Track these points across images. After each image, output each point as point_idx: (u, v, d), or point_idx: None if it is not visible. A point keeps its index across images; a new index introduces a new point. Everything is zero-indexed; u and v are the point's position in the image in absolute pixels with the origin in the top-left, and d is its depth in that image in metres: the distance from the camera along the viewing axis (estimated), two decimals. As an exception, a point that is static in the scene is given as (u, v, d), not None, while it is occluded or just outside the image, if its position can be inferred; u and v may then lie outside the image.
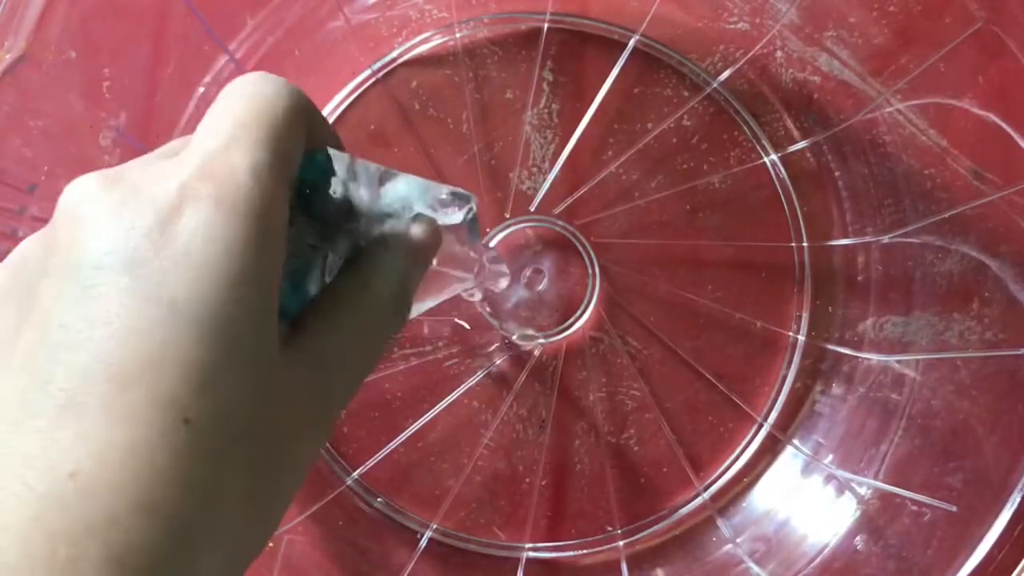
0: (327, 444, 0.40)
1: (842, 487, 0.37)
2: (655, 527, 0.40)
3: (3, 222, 0.31)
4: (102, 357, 0.15)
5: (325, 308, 0.20)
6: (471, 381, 0.39)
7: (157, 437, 0.15)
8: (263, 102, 0.18)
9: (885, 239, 0.39)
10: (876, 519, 0.35)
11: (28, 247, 0.18)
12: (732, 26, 0.41)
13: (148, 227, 0.16)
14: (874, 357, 0.38)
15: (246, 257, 0.16)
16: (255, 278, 0.17)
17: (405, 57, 0.42)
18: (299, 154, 0.19)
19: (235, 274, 0.16)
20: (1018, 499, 0.30)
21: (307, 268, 0.21)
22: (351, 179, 0.22)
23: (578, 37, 0.42)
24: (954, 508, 0.32)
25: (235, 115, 0.18)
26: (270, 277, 0.17)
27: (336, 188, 0.21)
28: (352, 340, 0.20)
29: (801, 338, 0.41)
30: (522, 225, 0.40)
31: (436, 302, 0.28)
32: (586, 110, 0.41)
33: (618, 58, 0.41)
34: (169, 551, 0.15)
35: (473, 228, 0.26)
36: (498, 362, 0.39)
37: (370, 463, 0.39)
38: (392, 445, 0.39)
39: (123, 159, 0.33)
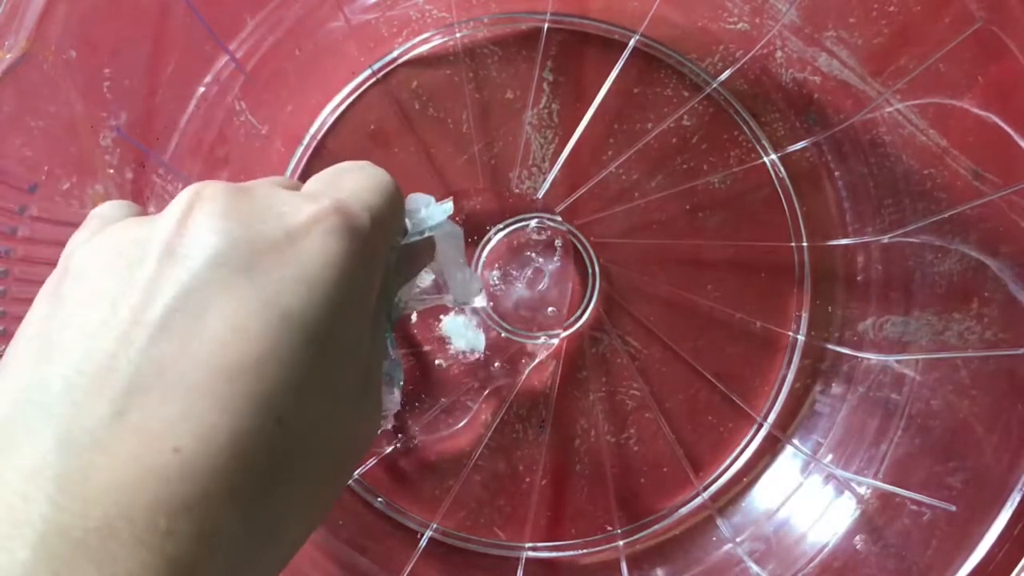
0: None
1: (842, 487, 0.37)
2: (655, 527, 0.40)
3: (3, 222, 0.31)
4: (215, 347, 0.16)
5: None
6: (472, 382, 0.39)
7: (255, 430, 0.16)
8: (380, 178, 0.21)
9: (885, 239, 0.39)
10: (876, 519, 0.35)
11: (133, 231, 0.18)
12: (732, 26, 0.41)
13: (274, 240, 0.17)
14: (874, 357, 0.38)
15: (355, 287, 0.18)
16: (359, 309, 0.18)
17: (405, 57, 0.42)
18: (398, 232, 0.23)
19: (341, 303, 0.18)
20: (1018, 499, 0.30)
21: None
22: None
23: (578, 37, 0.42)
24: (954, 508, 0.32)
25: (357, 180, 0.21)
26: (368, 311, 0.19)
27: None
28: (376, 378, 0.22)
29: (801, 338, 0.41)
30: (521, 226, 0.40)
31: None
32: (586, 110, 0.41)
33: (618, 58, 0.41)
34: (247, 540, 0.16)
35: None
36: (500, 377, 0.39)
37: (370, 463, 0.39)
38: (392, 445, 0.39)
39: (123, 159, 0.34)
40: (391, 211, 0.21)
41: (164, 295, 0.16)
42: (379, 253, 0.20)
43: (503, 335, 0.39)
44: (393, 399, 0.28)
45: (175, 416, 0.15)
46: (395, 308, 0.26)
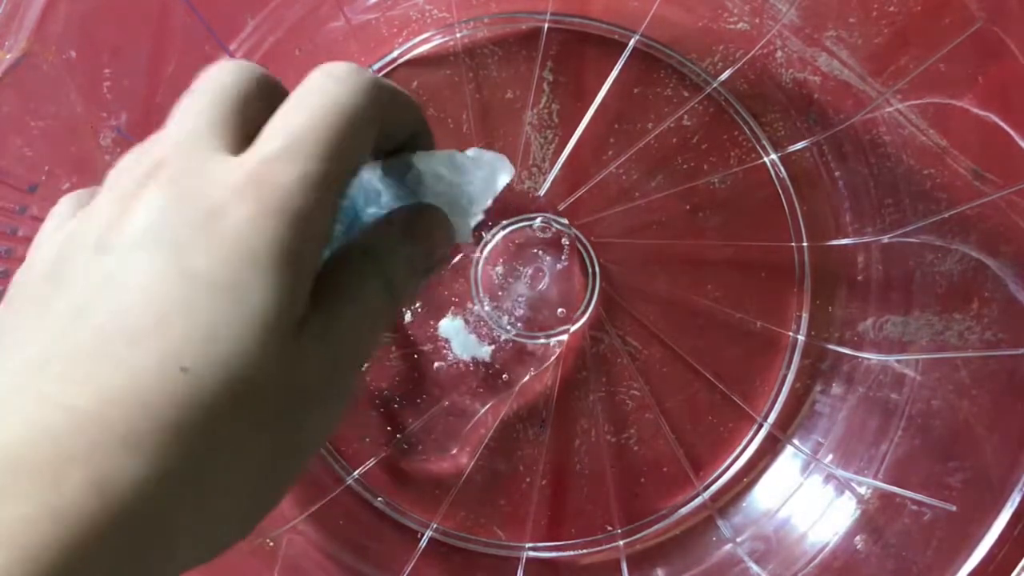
0: (327, 443, 0.40)
1: (842, 487, 0.37)
2: (655, 527, 0.40)
3: (3, 222, 0.31)
4: (120, 317, 0.17)
5: (337, 284, 0.21)
6: (472, 382, 0.39)
7: (154, 382, 0.16)
8: (333, 110, 0.19)
9: (885, 239, 0.39)
10: (876, 519, 0.35)
11: (73, 225, 0.19)
12: (732, 26, 0.41)
13: (194, 220, 0.17)
14: (874, 357, 0.38)
15: (278, 250, 0.17)
16: (283, 264, 0.18)
17: (406, 57, 0.42)
18: (363, 151, 0.20)
19: (262, 260, 0.17)
20: (1018, 499, 0.30)
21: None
22: (411, 184, 0.22)
23: (578, 37, 0.42)
24: (954, 508, 0.32)
25: (299, 122, 0.19)
26: (301, 265, 0.18)
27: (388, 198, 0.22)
28: (350, 320, 0.20)
29: (801, 338, 0.41)
30: (522, 224, 0.40)
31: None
32: (586, 110, 0.41)
33: (618, 58, 0.41)
34: (151, 488, 0.16)
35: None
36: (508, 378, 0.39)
37: (370, 463, 0.39)
38: (392, 445, 0.39)
39: (123, 159, 0.33)
40: (344, 148, 0.19)
41: (86, 285, 0.17)
42: (321, 204, 0.18)
43: (504, 338, 0.39)
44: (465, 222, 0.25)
45: (74, 381, 0.16)
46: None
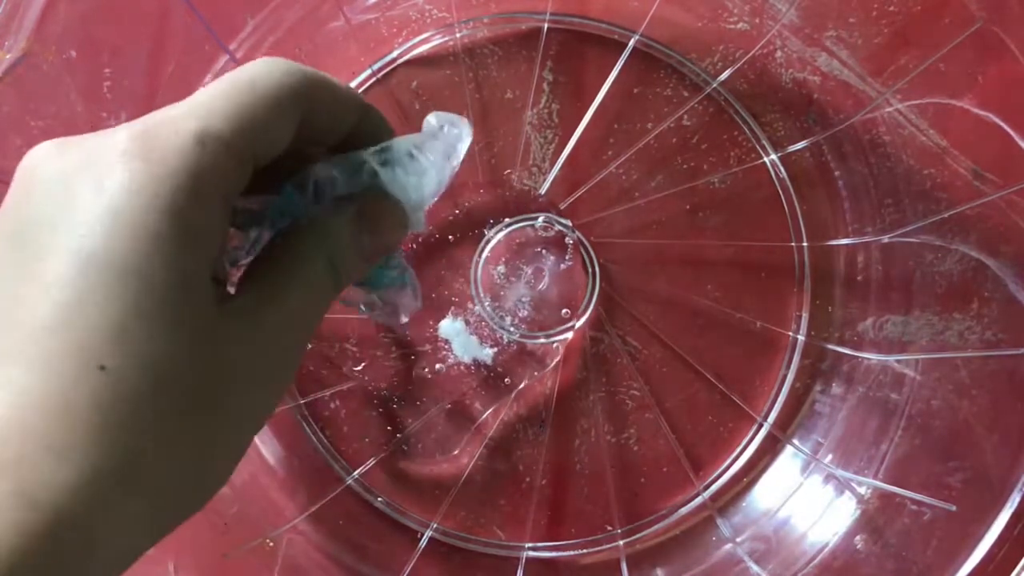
0: (325, 441, 0.40)
1: (842, 487, 0.37)
2: (655, 527, 0.40)
3: (3, 222, 0.31)
4: (27, 311, 0.16)
5: (268, 267, 0.20)
6: (472, 382, 0.39)
7: (74, 383, 0.15)
8: (244, 82, 0.19)
9: (885, 239, 0.39)
10: (876, 519, 0.35)
11: None
12: (732, 26, 0.41)
13: (87, 183, 0.17)
14: (874, 357, 0.38)
15: (170, 213, 0.17)
16: (180, 234, 0.17)
17: (405, 57, 0.42)
18: (281, 132, 0.20)
19: (158, 229, 0.17)
20: (1018, 499, 0.30)
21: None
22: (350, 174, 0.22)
23: (578, 37, 0.42)
24: (954, 508, 0.32)
25: (214, 89, 0.19)
26: (199, 235, 0.17)
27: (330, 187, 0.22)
28: (288, 299, 0.20)
29: (801, 338, 0.41)
30: (522, 224, 0.40)
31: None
32: (586, 110, 0.41)
33: (618, 58, 0.41)
34: (84, 490, 0.15)
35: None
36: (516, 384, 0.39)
37: (370, 463, 0.39)
38: (392, 445, 0.39)
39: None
40: (255, 117, 0.19)
41: None
42: (219, 166, 0.18)
43: (506, 339, 0.39)
44: (403, 297, 0.26)
45: None
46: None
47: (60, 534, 0.15)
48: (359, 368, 0.40)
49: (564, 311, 0.39)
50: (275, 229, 0.22)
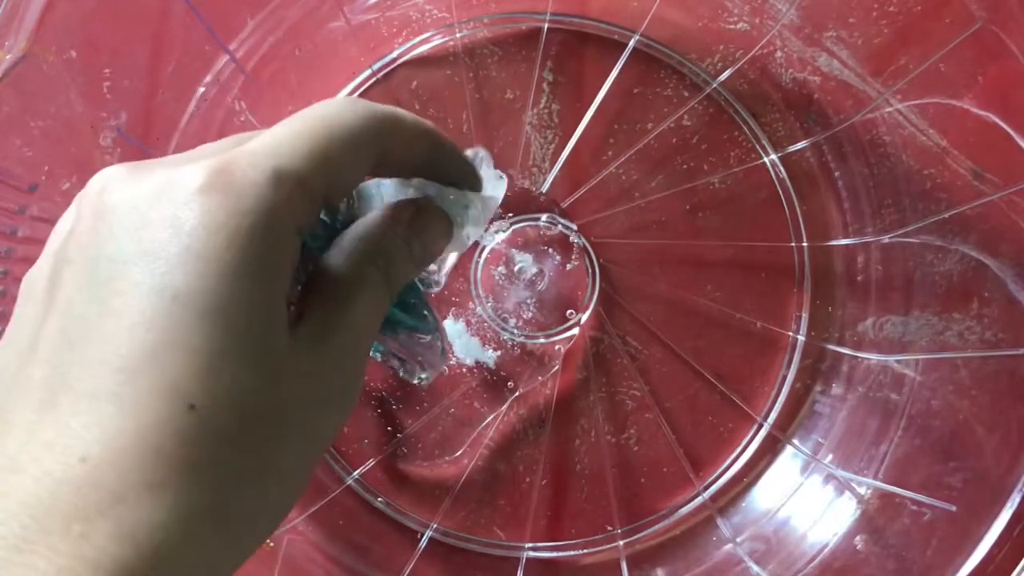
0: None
1: (842, 487, 0.37)
2: (655, 527, 0.40)
3: (3, 222, 0.31)
4: (112, 348, 0.16)
5: (336, 279, 0.21)
6: (472, 382, 0.39)
7: (164, 423, 0.16)
8: (321, 121, 0.19)
9: (885, 239, 0.39)
10: (876, 519, 0.35)
11: (58, 234, 0.19)
12: (732, 26, 0.41)
13: (164, 219, 0.17)
14: (874, 357, 0.38)
15: (249, 250, 0.17)
16: (258, 271, 0.17)
17: (405, 57, 0.42)
18: (356, 171, 0.20)
19: (236, 266, 0.17)
20: (1018, 499, 0.30)
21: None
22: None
23: (578, 37, 0.42)
24: (954, 508, 0.32)
25: (291, 126, 0.19)
26: (275, 271, 0.18)
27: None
28: (353, 317, 0.20)
29: (801, 338, 0.41)
30: (522, 224, 0.40)
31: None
32: (586, 110, 0.41)
33: (618, 58, 0.41)
34: (178, 527, 0.16)
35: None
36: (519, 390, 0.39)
37: (370, 463, 0.39)
38: (392, 445, 0.39)
39: (123, 159, 0.33)
40: (330, 157, 0.19)
41: (58, 306, 0.17)
42: (292, 202, 0.18)
43: (508, 339, 0.39)
44: (429, 353, 0.26)
45: (80, 426, 0.16)
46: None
47: (159, 570, 0.15)
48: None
49: (569, 312, 0.39)
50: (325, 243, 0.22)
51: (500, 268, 0.40)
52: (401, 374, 0.27)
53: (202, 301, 0.16)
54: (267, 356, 0.17)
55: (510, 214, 0.40)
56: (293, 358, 0.18)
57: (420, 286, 0.26)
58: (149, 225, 0.17)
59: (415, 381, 0.27)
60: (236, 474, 0.17)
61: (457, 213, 0.24)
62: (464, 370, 0.39)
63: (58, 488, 0.15)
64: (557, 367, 0.39)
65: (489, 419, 0.39)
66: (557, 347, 0.39)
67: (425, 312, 0.25)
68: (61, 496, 0.15)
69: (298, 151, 0.18)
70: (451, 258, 0.28)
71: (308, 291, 0.21)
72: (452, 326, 0.39)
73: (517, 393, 0.39)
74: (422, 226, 0.23)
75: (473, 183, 0.25)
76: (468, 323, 0.39)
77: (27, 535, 0.15)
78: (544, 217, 0.40)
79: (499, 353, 0.39)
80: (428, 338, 0.26)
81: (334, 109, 0.20)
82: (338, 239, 0.22)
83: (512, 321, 0.39)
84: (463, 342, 0.39)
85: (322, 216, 0.22)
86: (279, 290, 0.18)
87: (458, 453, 0.39)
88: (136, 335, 0.16)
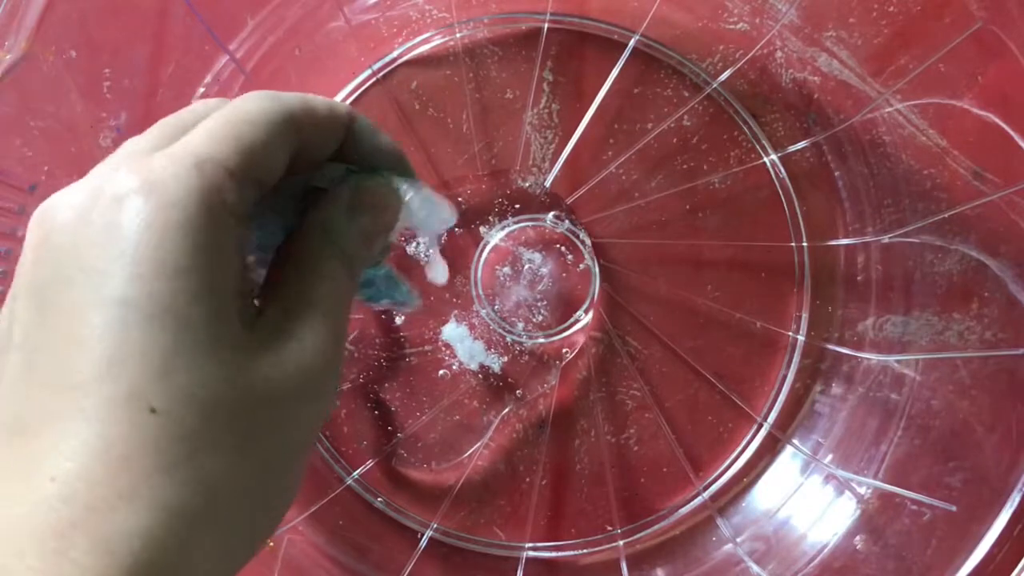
0: (325, 441, 0.40)
1: (842, 487, 0.37)
2: (655, 527, 0.40)
3: (3, 222, 0.31)
4: (69, 367, 0.16)
5: (297, 269, 0.20)
6: (472, 381, 0.39)
7: (128, 430, 0.16)
8: (235, 111, 0.19)
9: (885, 239, 0.39)
10: (876, 519, 0.35)
11: (18, 267, 0.19)
12: (732, 26, 0.41)
13: (96, 232, 0.17)
14: (874, 357, 0.38)
15: (184, 244, 0.17)
16: (199, 264, 0.17)
17: (405, 57, 0.42)
18: (279, 153, 0.20)
19: (175, 261, 0.17)
20: (1018, 499, 0.30)
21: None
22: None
23: (578, 37, 0.42)
24: (954, 508, 0.32)
25: (207, 122, 0.19)
26: (216, 259, 0.18)
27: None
28: (312, 300, 0.20)
29: (801, 338, 0.41)
30: (522, 225, 0.40)
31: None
32: (586, 110, 0.41)
33: (618, 58, 0.41)
34: (157, 532, 0.16)
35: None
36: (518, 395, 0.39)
37: (370, 463, 0.39)
38: (392, 445, 0.39)
39: (123, 159, 0.33)
40: (252, 145, 0.19)
41: (15, 340, 0.17)
42: (222, 190, 0.18)
43: (510, 340, 0.39)
44: (400, 291, 0.26)
45: (47, 447, 0.16)
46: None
47: (142, 573, 0.15)
48: (356, 369, 0.40)
49: (578, 312, 0.39)
50: (282, 234, 0.22)
51: (506, 268, 0.40)
52: (398, 303, 0.27)
53: (147, 303, 0.16)
54: (222, 348, 0.17)
55: (513, 209, 0.40)
56: (254, 348, 0.18)
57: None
58: (83, 241, 0.17)
59: (410, 305, 0.27)
60: (208, 471, 0.17)
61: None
62: (469, 377, 0.39)
63: (31, 510, 0.15)
64: (557, 372, 0.39)
65: (494, 425, 0.39)
66: (564, 350, 0.39)
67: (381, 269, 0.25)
68: (34, 517, 0.15)
69: (214, 138, 0.18)
70: (437, 268, 0.28)
71: (267, 281, 0.21)
72: (454, 330, 0.39)
73: (526, 399, 0.39)
74: (369, 201, 0.23)
75: (399, 167, 0.25)
76: (472, 326, 0.39)
77: (4, 562, 0.15)
78: (550, 216, 0.40)
79: (505, 359, 0.39)
80: (382, 272, 0.26)
81: (243, 99, 0.20)
82: (294, 229, 0.22)
83: (518, 324, 0.39)
84: (466, 346, 0.39)
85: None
86: (225, 279, 0.18)
87: (462, 457, 0.39)
88: (88, 349, 0.16)
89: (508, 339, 0.39)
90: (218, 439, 0.17)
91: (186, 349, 0.17)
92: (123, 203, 0.17)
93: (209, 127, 0.19)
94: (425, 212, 0.24)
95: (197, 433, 0.16)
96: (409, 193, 0.24)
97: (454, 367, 0.39)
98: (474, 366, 0.39)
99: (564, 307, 0.40)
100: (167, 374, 0.16)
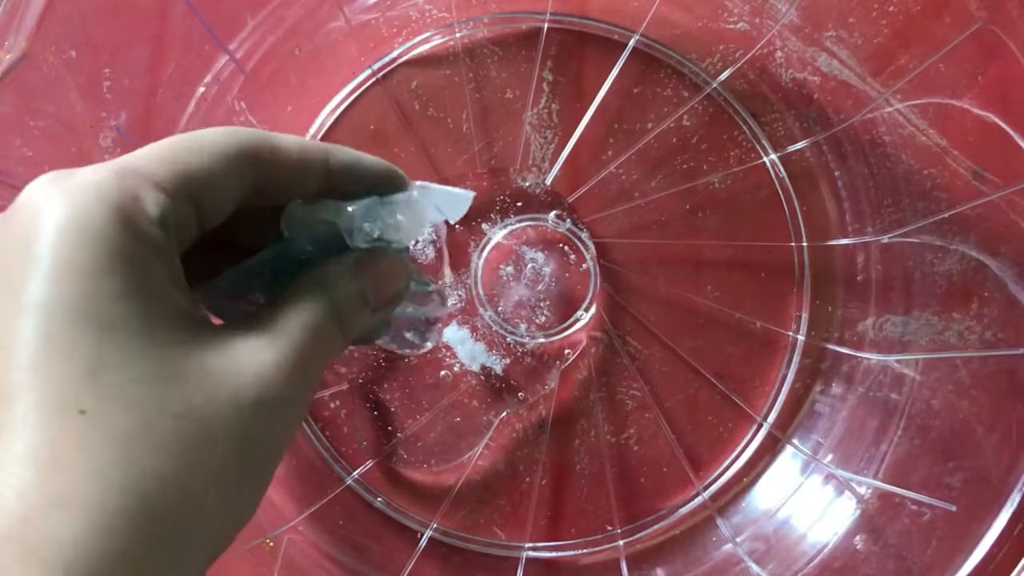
0: (325, 441, 0.40)
1: (842, 487, 0.37)
2: (655, 527, 0.40)
3: (3, 222, 0.31)
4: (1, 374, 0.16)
5: (285, 313, 0.20)
6: (472, 381, 0.39)
7: (57, 435, 0.15)
8: (178, 137, 0.20)
9: (885, 239, 0.39)
10: (876, 519, 0.35)
11: None
12: (732, 26, 0.41)
13: (16, 240, 0.17)
14: (874, 357, 0.38)
15: (103, 246, 0.17)
16: (119, 265, 0.17)
17: (405, 57, 0.42)
18: (222, 184, 0.20)
19: (95, 263, 0.17)
20: (1017, 499, 0.30)
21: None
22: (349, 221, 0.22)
23: (578, 37, 0.42)
24: (954, 508, 0.32)
25: (156, 143, 0.19)
26: (139, 260, 0.17)
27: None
28: (302, 344, 0.20)
29: (801, 338, 0.41)
30: (522, 225, 0.40)
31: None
32: (586, 110, 0.41)
33: (618, 58, 0.41)
34: (92, 537, 0.15)
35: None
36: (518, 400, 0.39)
37: (370, 463, 0.39)
38: (392, 445, 0.39)
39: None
40: (193, 166, 0.19)
41: None
42: (147, 200, 0.18)
43: (511, 340, 0.39)
44: (433, 302, 0.26)
45: None
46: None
47: None
48: (355, 369, 0.40)
49: (579, 312, 0.39)
50: (274, 281, 0.22)
51: (508, 267, 0.40)
52: (402, 348, 0.27)
53: (68, 306, 0.16)
54: (156, 347, 0.17)
55: (515, 207, 0.40)
56: (194, 352, 0.18)
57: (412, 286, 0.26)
58: (3, 251, 0.17)
59: (424, 346, 0.27)
60: (150, 473, 0.16)
61: (392, 222, 0.24)
62: (470, 378, 0.39)
63: None
64: (558, 372, 0.39)
65: (494, 426, 0.39)
66: (566, 351, 0.39)
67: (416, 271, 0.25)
68: None
69: (150, 155, 0.19)
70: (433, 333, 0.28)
71: (260, 318, 0.20)
72: (455, 332, 0.39)
73: (527, 401, 0.39)
74: (374, 269, 0.23)
75: (393, 183, 0.24)
76: (474, 328, 0.39)
77: None
78: (552, 215, 0.40)
79: (507, 360, 0.39)
80: (429, 289, 0.26)
81: (197, 132, 0.20)
82: (297, 279, 0.22)
83: (520, 325, 0.39)
84: (468, 348, 0.39)
85: (308, 247, 0.22)
86: (152, 280, 0.18)
87: (462, 458, 0.39)
88: (14, 357, 0.16)
89: (509, 340, 0.39)
90: (158, 440, 0.16)
91: (113, 348, 0.16)
92: (39, 210, 0.17)
93: (152, 146, 0.19)
94: (440, 201, 0.24)
95: (132, 434, 0.16)
96: (414, 193, 0.24)
97: (455, 368, 0.39)
98: (475, 367, 0.39)
99: (565, 307, 0.40)
100: (94, 374, 0.16)
